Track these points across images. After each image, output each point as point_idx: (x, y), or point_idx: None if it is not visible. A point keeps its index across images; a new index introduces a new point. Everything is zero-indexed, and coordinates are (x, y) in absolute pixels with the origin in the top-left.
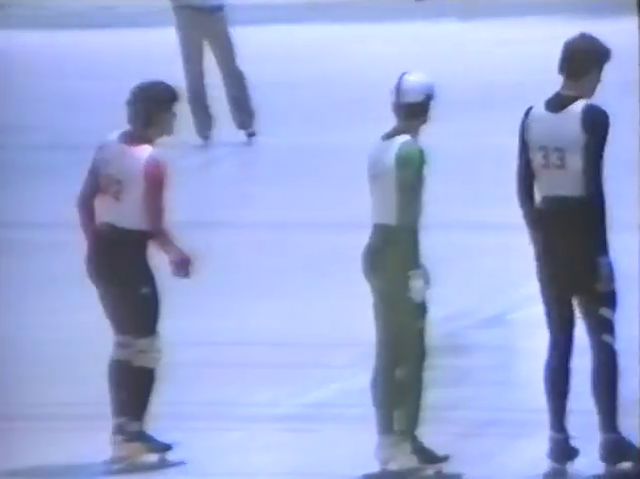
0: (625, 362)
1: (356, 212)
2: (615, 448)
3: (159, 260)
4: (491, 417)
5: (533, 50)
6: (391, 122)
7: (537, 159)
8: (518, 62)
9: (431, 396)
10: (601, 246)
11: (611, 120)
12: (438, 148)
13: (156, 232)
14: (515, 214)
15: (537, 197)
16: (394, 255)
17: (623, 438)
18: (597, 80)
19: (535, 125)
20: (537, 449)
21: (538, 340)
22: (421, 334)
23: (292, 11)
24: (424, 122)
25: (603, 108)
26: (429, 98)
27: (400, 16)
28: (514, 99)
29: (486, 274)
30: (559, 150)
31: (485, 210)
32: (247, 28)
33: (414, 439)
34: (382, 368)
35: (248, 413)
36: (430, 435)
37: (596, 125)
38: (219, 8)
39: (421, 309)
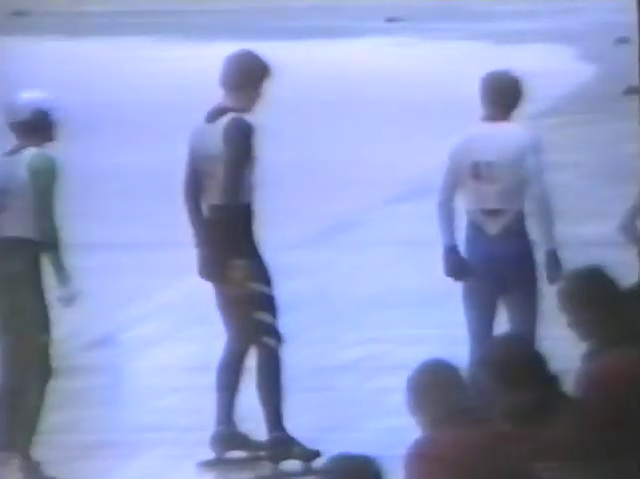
0: None
1: None
2: (280, 446)
3: None
4: (101, 439)
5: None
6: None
7: (197, 167)
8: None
9: (42, 420)
10: (237, 249)
11: (254, 133)
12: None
13: None
14: (123, 233)
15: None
16: (9, 270)
17: (288, 436)
18: (256, 94)
19: (194, 135)
20: (147, 468)
21: (147, 360)
22: (44, 351)
23: None
24: (48, 139)
25: (250, 122)
26: (41, 115)
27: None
28: (132, 117)
29: (94, 294)
30: (209, 158)
31: (96, 228)
32: None
33: (27, 457)
34: (5, 388)
35: None
36: (40, 459)
37: (235, 136)
38: None
39: (42, 325)
